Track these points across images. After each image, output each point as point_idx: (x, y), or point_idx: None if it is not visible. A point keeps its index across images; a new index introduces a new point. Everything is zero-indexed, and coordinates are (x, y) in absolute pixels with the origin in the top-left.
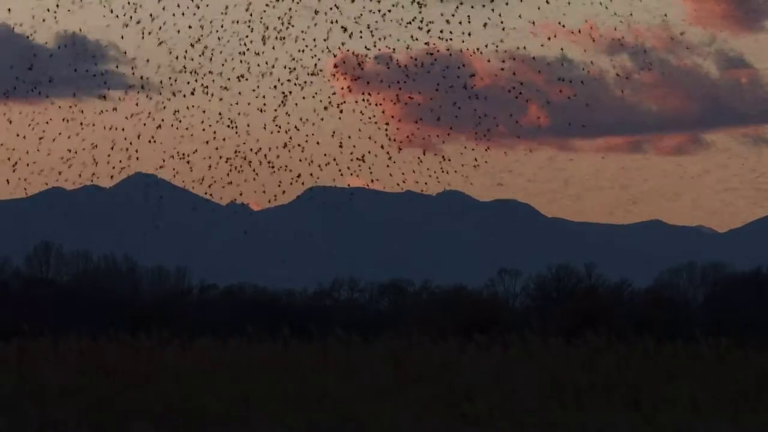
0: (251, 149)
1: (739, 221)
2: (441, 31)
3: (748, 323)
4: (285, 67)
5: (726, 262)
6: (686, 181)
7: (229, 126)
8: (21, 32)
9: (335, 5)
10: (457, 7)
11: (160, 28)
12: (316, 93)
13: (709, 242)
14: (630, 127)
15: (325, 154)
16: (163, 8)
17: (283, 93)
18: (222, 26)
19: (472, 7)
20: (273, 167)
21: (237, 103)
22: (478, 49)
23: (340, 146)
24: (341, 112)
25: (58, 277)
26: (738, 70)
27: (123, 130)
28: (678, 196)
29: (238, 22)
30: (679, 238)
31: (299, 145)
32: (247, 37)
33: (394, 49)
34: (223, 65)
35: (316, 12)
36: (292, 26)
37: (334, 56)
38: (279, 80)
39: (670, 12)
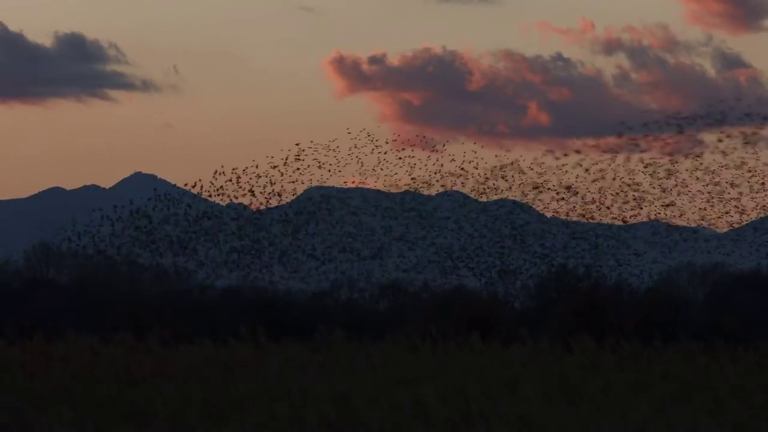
0: (250, 149)
1: (738, 221)
2: (439, 32)
3: (748, 323)
4: (284, 68)
5: (726, 262)
6: (685, 181)
7: (228, 127)
8: (20, 32)
9: (332, 7)
10: (454, 8)
11: (160, 29)
12: (314, 94)
13: (709, 242)
14: (629, 126)
15: (324, 155)
16: (160, 14)
17: (283, 94)
18: (220, 28)
19: (470, 8)
20: (273, 167)
21: (236, 105)
22: (475, 49)
23: (339, 146)
24: (340, 113)
25: (58, 277)
26: (737, 69)
27: (123, 130)
28: (677, 196)
29: (237, 24)
30: (679, 238)
31: (298, 146)
32: (246, 38)
33: (391, 51)
34: (222, 67)
35: (314, 13)
36: (291, 28)
37: (333, 57)
38: (279, 81)
39: (669, 11)
